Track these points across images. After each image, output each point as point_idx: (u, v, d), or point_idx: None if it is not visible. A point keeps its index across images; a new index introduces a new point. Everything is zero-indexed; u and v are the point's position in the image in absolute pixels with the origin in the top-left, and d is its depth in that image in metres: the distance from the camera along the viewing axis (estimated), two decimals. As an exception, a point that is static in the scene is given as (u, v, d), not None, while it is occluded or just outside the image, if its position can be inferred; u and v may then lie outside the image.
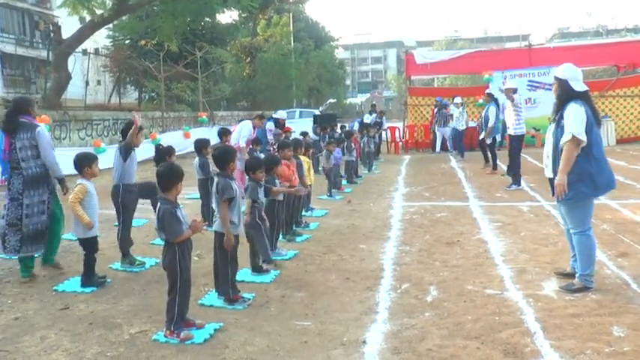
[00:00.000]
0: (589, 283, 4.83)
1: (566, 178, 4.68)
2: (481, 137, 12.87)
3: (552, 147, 4.95)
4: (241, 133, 10.63)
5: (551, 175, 5.01)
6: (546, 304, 4.53)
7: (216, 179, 4.78)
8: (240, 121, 11.62)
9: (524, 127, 10.99)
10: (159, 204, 4.10)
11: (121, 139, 6.28)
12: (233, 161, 4.79)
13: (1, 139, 5.94)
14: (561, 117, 4.81)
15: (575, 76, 4.86)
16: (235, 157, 4.86)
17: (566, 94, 4.84)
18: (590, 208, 4.89)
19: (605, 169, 4.83)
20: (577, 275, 4.91)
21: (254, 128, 11.06)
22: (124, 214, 6.00)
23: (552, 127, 4.99)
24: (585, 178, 4.71)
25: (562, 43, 43.17)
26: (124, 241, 5.99)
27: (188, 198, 9.80)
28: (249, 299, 4.80)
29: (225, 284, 4.73)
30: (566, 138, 4.68)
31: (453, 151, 17.24)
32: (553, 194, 5.01)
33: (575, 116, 4.67)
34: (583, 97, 4.83)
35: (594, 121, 4.79)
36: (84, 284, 5.27)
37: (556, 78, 4.98)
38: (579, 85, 4.85)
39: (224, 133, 9.55)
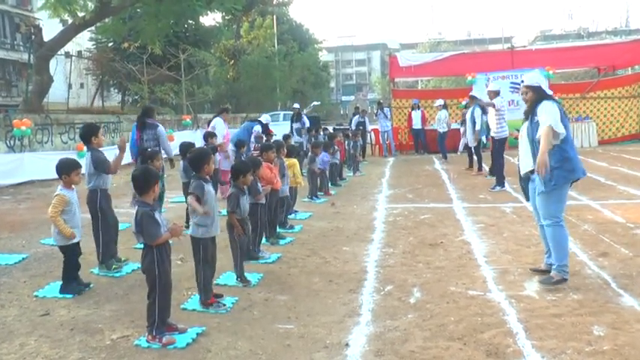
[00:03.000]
0: (565, 274, 5.01)
1: (547, 157, 4.81)
2: (469, 143, 12.97)
3: (526, 143, 5.19)
4: (216, 131, 10.60)
5: (528, 169, 5.22)
6: (528, 305, 4.56)
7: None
8: (209, 122, 11.42)
9: (507, 130, 11.10)
10: (136, 207, 4.07)
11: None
12: (208, 164, 4.76)
13: (134, 132, 8.79)
14: (535, 114, 5.05)
15: (544, 82, 5.24)
16: (210, 160, 4.80)
17: (538, 98, 5.09)
18: (564, 198, 5.11)
19: (574, 156, 5.06)
20: (553, 267, 5.07)
21: (225, 122, 11.01)
22: (103, 220, 5.86)
23: (526, 125, 5.23)
24: (564, 164, 4.94)
25: (544, 46, 43.66)
26: (107, 250, 5.90)
27: (172, 202, 9.76)
28: (226, 304, 4.75)
29: (199, 287, 4.72)
30: (543, 126, 4.87)
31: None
32: (527, 199, 5.23)
33: (549, 111, 4.92)
34: (552, 99, 5.13)
35: (564, 116, 5.05)
36: (62, 291, 5.20)
37: (529, 87, 5.18)
38: (548, 90, 5.20)
39: (210, 136, 9.53)
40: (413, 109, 18.75)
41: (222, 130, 10.80)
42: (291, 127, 16.57)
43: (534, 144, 5.09)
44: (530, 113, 5.14)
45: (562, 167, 4.95)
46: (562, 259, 5.02)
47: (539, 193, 5.13)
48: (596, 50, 21.67)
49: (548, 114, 4.90)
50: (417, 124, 18.63)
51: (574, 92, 19.47)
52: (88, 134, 5.97)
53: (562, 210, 5.12)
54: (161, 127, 8.54)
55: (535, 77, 5.27)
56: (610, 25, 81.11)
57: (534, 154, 5.10)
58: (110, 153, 7.26)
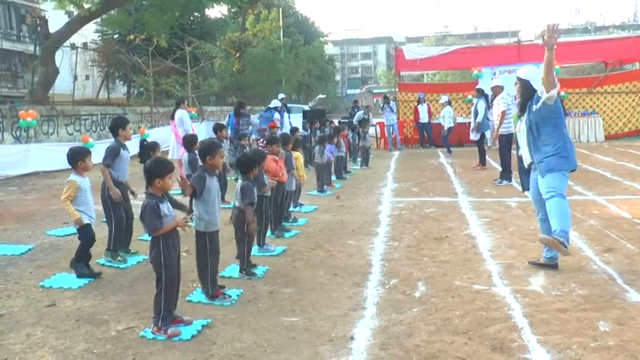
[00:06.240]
0: (566, 240, 4.92)
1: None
2: (472, 137, 12.93)
3: (526, 133, 5.30)
4: (185, 123, 10.72)
5: (529, 161, 5.40)
6: (533, 300, 4.55)
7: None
8: (173, 113, 11.22)
9: (512, 125, 11.04)
10: (145, 198, 4.10)
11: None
12: (213, 156, 4.76)
13: (232, 119, 12.84)
14: (532, 104, 5.20)
15: (535, 77, 5.26)
16: (216, 151, 4.80)
17: (528, 93, 5.29)
18: (565, 178, 5.21)
19: (573, 147, 5.26)
20: (554, 231, 5.00)
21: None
22: (115, 211, 5.93)
23: (523, 118, 5.35)
24: (563, 152, 5.11)
25: (551, 40, 43.29)
26: (118, 240, 5.97)
27: (173, 194, 9.74)
28: (231, 296, 4.75)
29: (204, 281, 4.72)
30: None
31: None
32: (523, 190, 5.29)
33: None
34: None
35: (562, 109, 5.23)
36: (72, 265, 5.38)
37: (519, 78, 5.39)
38: (539, 85, 5.17)
39: (219, 129, 9.50)
40: (419, 102, 18.70)
41: (189, 120, 10.84)
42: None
43: (532, 133, 5.20)
44: (526, 108, 5.25)
45: (559, 155, 5.09)
46: (563, 224, 4.96)
47: (542, 175, 5.20)
48: (603, 45, 21.53)
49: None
50: (424, 117, 18.60)
51: (581, 87, 19.39)
52: (116, 126, 6.21)
53: (564, 186, 5.18)
54: (252, 116, 13.37)
55: (527, 71, 5.38)
56: (618, 20, 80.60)
57: (533, 145, 5.23)
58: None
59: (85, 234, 5.42)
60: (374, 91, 64.93)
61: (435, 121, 18.63)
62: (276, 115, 13.69)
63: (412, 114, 19.49)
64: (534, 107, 5.14)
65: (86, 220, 5.37)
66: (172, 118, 11.11)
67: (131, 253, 6.13)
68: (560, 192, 5.11)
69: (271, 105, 14.29)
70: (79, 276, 5.31)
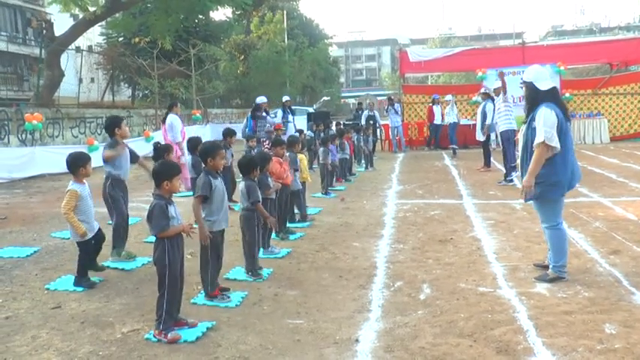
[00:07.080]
0: (562, 273, 5.01)
1: (533, 180, 4.86)
2: (477, 137, 12.90)
3: (522, 147, 5.14)
4: (175, 129, 10.73)
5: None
6: (539, 302, 4.54)
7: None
8: (165, 117, 11.16)
9: (515, 123, 11.03)
10: (153, 199, 4.12)
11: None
12: (214, 157, 4.76)
13: (250, 121, 13.29)
14: (532, 119, 4.97)
15: (539, 77, 5.09)
16: (216, 152, 4.79)
17: (532, 95, 5.07)
18: (559, 203, 5.07)
19: (567, 168, 4.93)
20: (550, 266, 5.07)
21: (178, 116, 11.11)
22: (116, 205, 5.97)
23: (524, 128, 5.16)
24: (553, 177, 4.87)
25: (555, 41, 43.32)
26: (117, 236, 5.97)
27: (181, 196, 9.76)
28: (231, 297, 4.76)
29: (204, 279, 4.74)
30: (537, 141, 4.82)
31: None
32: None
33: (545, 120, 4.81)
34: (550, 96, 5.00)
35: (564, 120, 4.92)
36: (75, 284, 5.25)
37: (523, 81, 5.21)
38: (544, 85, 5.04)
39: (228, 134, 9.38)
40: (434, 103, 18.62)
41: (179, 125, 10.82)
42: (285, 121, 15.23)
43: (527, 151, 5.03)
44: (529, 116, 5.05)
45: (545, 182, 4.87)
46: (559, 260, 5.02)
47: (526, 199, 5.11)
48: (608, 46, 21.46)
49: (544, 124, 4.77)
50: (438, 119, 18.54)
51: (586, 88, 19.33)
52: (111, 126, 6.20)
53: (559, 215, 5.06)
54: (268, 117, 13.45)
55: (530, 72, 5.16)
56: (623, 21, 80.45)
57: (525, 161, 5.08)
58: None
59: (85, 247, 5.30)
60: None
61: (444, 122, 18.57)
62: (269, 119, 13.62)
63: (426, 115, 19.40)
64: (533, 124, 4.93)
65: (90, 235, 5.27)
66: (164, 122, 11.10)
67: (130, 256, 6.09)
68: (554, 224, 5.03)
69: (257, 101, 14.01)
70: (86, 288, 5.19)
